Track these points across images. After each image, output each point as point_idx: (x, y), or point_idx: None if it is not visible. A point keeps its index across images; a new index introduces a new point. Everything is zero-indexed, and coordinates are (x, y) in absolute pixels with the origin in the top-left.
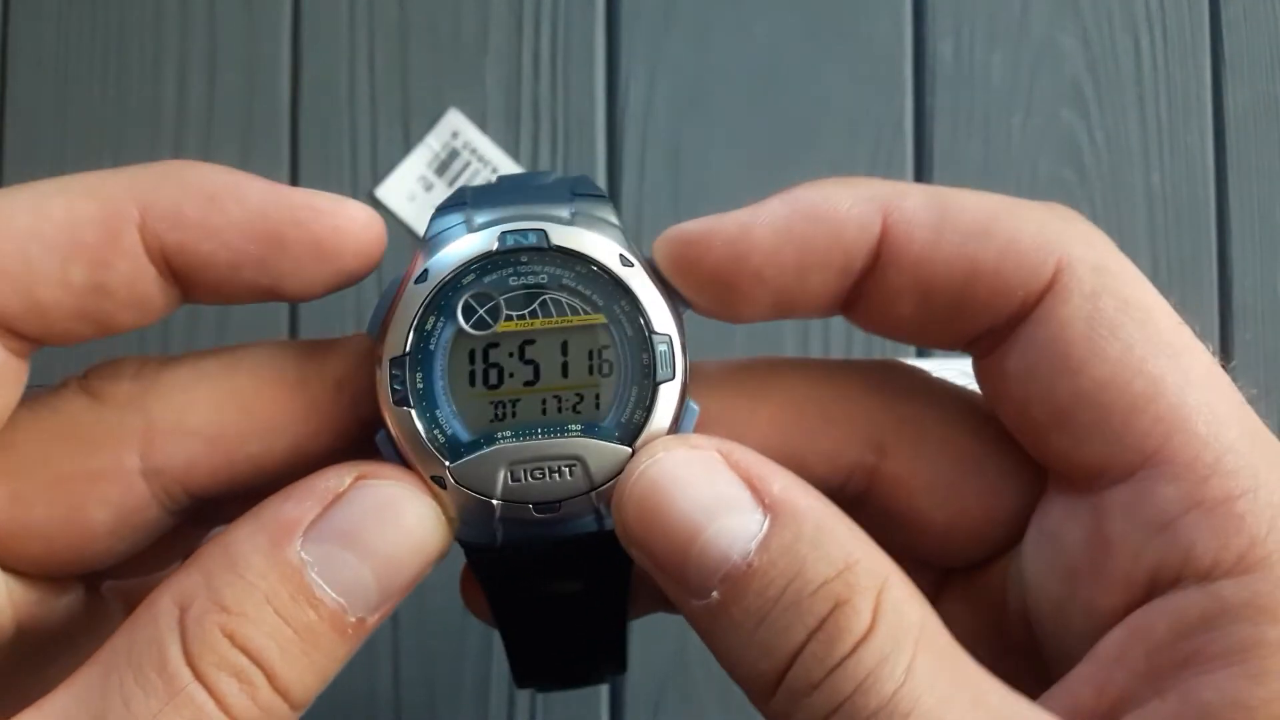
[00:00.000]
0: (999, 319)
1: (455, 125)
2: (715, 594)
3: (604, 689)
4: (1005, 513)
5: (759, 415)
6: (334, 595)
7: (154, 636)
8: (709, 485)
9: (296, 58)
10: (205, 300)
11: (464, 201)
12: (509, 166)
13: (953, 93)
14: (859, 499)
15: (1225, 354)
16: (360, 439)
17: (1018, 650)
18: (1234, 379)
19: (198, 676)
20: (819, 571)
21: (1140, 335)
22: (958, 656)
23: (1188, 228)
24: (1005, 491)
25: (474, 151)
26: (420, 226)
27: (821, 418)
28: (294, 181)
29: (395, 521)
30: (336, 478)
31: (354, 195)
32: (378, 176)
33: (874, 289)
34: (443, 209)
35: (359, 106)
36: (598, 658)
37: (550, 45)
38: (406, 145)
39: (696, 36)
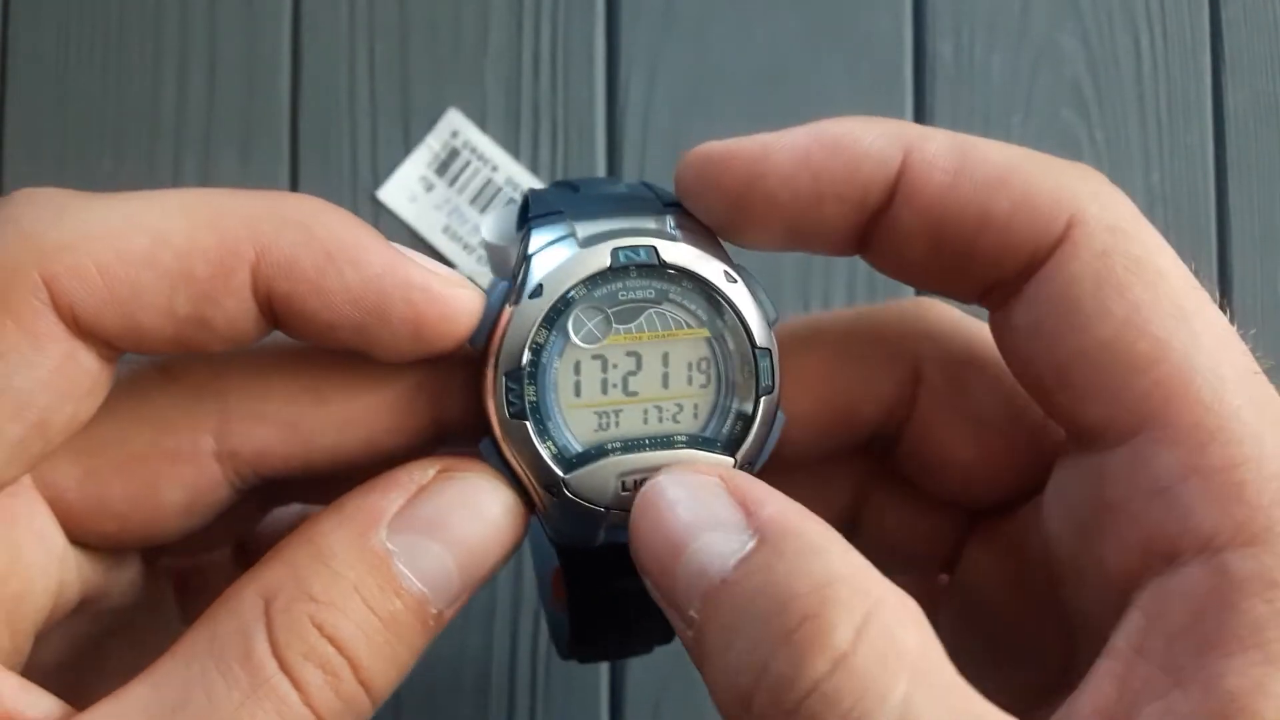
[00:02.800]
0: (1009, 271)
1: (455, 125)
2: (694, 612)
3: (604, 689)
4: (1031, 456)
5: (807, 367)
6: (419, 585)
7: (239, 627)
8: (700, 504)
9: (296, 57)
10: (294, 337)
11: (559, 210)
12: (510, 166)
13: (953, 93)
14: (896, 437)
15: None
16: (435, 438)
17: (1043, 601)
18: (1253, 351)
19: (283, 667)
20: (793, 586)
21: (1149, 297)
22: (965, 695)
23: (1187, 227)
24: (1031, 434)
25: (474, 151)
26: (422, 227)
27: (864, 355)
28: (294, 181)
29: (479, 511)
30: (420, 470)
31: (355, 196)
32: (378, 176)
33: (887, 228)
34: (540, 221)
35: (359, 106)
36: (651, 637)
37: (550, 45)
38: (406, 145)
39: (696, 36)
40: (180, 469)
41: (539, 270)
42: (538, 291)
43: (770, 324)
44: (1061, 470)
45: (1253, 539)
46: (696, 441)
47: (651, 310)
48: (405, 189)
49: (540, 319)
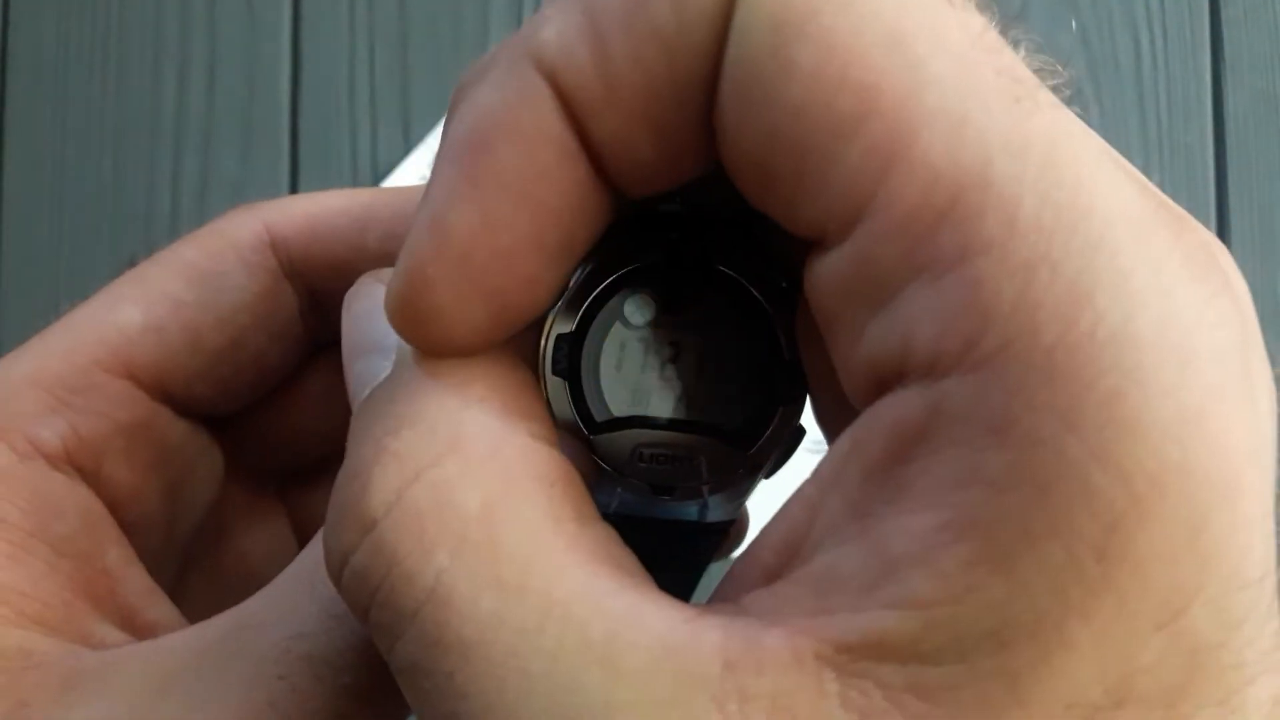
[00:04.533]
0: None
1: None
2: None
3: None
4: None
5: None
6: None
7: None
8: (370, 320)
9: (296, 59)
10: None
11: None
12: None
13: None
14: None
15: None
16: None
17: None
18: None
19: None
20: (368, 431)
21: (846, 28)
22: (528, 565)
23: None
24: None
25: None
26: None
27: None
28: (294, 181)
29: None
30: None
31: None
32: (378, 177)
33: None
34: None
35: (359, 107)
36: None
37: None
38: (406, 146)
39: None
40: (243, 254)
41: (607, 254)
42: (598, 271)
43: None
44: (807, 270)
45: (981, 362)
46: (714, 430)
47: (701, 304)
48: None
49: (595, 293)
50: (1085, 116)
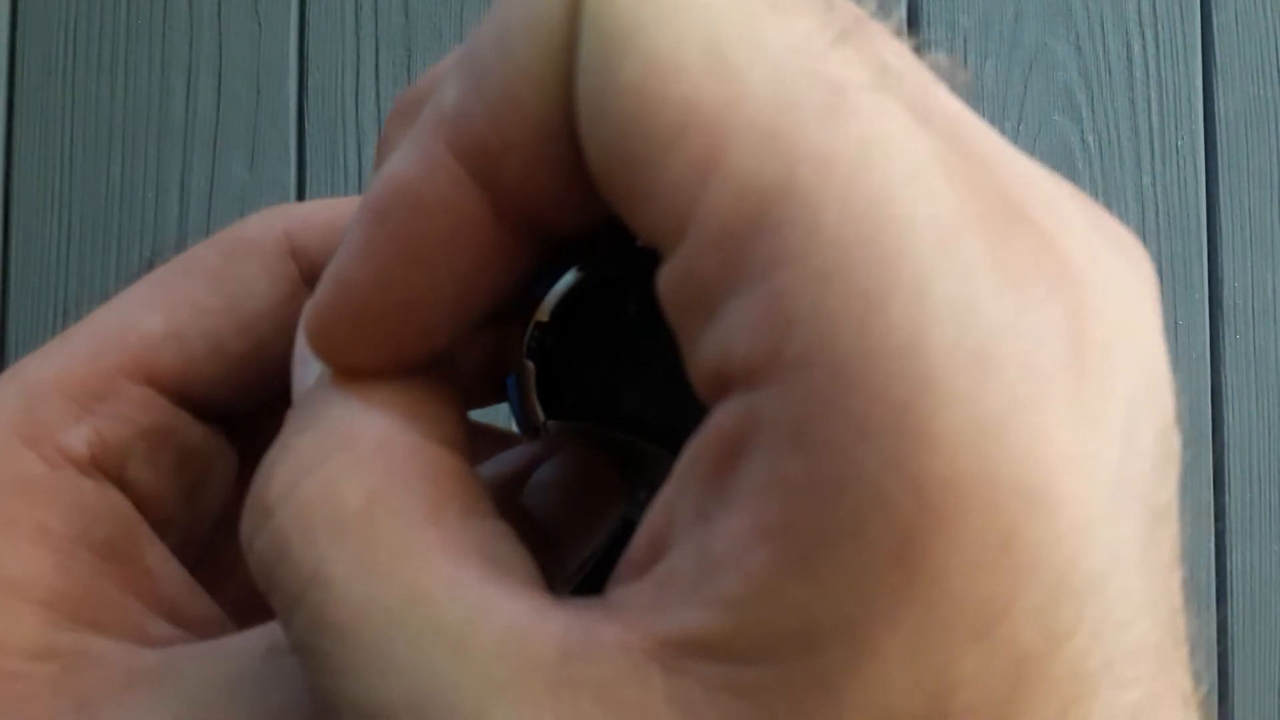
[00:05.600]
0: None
1: None
2: None
3: None
4: None
5: None
6: None
7: None
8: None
9: (303, 63)
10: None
11: None
12: None
13: None
14: None
15: (1215, 352)
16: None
17: None
18: (1235, 339)
19: None
20: (284, 433)
21: (668, 40)
22: (408, 557)
23: (1178, 229)
24: None
25: None
26: None
27: None
28: (300, 185)
29: None
30: None
31: None
32: None
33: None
34: None
35: (364, 112)
36: None
37: None
38: None
39: None
40: (261, 260)
41: (594, 252)
42: (585, 268)
43: None
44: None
45: (785, 372)
46: (661, 436)
47: None
48: None
49: (581, 290)
50: (1077, 122)
